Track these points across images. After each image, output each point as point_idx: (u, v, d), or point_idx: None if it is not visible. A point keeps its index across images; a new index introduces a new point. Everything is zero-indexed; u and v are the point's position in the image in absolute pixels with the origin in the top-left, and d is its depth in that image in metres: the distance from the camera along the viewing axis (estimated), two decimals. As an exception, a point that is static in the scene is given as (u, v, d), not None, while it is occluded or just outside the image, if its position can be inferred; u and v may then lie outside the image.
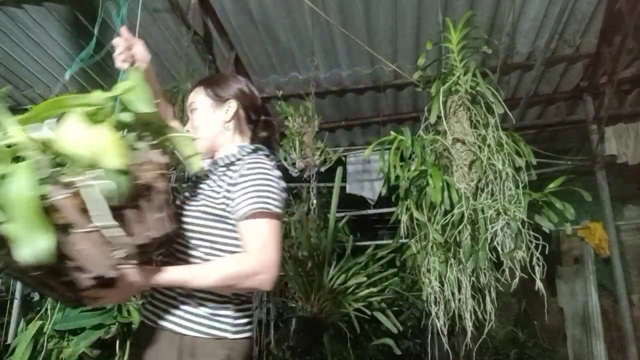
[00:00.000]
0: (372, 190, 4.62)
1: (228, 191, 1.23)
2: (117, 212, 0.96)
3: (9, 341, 3.43)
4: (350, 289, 3.04)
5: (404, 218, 2.14)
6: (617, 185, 4.24)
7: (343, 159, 4.36)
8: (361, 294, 3.05)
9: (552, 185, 2.09)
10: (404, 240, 2.25)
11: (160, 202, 1.04)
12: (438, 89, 2.17)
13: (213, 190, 1.26)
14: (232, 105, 1.37)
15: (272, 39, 3.48)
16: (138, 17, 2.39)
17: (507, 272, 1.98)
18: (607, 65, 3.55)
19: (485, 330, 2.03)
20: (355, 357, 3.08)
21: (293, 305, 3.13)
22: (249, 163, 1.25)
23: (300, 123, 3.06)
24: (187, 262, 1.23)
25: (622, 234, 4.98)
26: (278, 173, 1.27)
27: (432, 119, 2.18)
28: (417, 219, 2.10)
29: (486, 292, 2.05)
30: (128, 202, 0.97)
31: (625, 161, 4.04)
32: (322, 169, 3.08)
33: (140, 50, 1.34)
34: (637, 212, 5.27)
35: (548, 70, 3.81)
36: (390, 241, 3.36)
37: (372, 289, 3.09)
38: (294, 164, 3.02)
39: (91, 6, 3.14)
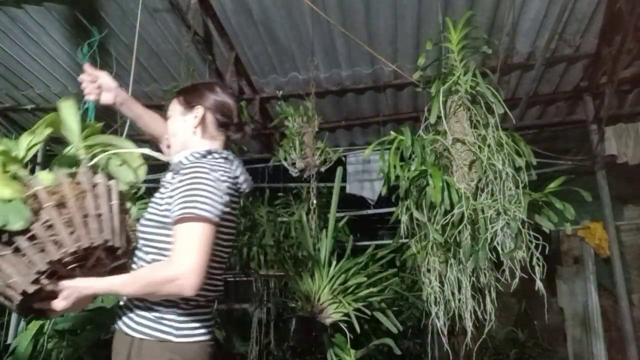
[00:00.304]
0: (372, 190, 4.62)
1: (170, 197, 1.26)
2: (25, 232, 1.08)
3: (9, 341, 3.42)
4: (350, 289, 3.03)
5: (404, 218, 2.14)
6: (617, 185, 4.23)
7: (343, 159, 4.36)
8: (361, 294, 3.04)
9: (552, 185, 2.09)
10: (404, 240, 2.25)
11: (80, 218, 1.13)
12: (438, 89, 2.17)
13: (161, 198, 1.30)
14: (200, 111, 1.40)
15: (272, 39, 3.48)
16: (138, 17, 2.40)
17: (507, 272, 1.98)
18: (607, 65, 3.54)
19: (485, 330, 2.02)
20: (355, 357, 3.07)
21: (293, 305, 3.13)
22: (187, 168, 1.27)
23: (300, 123, 3.06)
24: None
25: (622, 234, 4.98)
26: (216, 176, 1.25)
27: (432, 119, 2.18)
28: (417, 219, 2.09)
29: (486, 292, 2.05)
30: (33, 223, 1.09)
31: (625, 161, 4.03)
32: (322, 169, 3.08)
33: (105, 80, 1.46)
34: (637, 212, 5.27)
35: (548, 70, 3.81)
36: (390, 241, 3.35)
37: (372, 289, 3.07)
38: (294, 164, 3.02)
39: (91, 6, 3.14)
